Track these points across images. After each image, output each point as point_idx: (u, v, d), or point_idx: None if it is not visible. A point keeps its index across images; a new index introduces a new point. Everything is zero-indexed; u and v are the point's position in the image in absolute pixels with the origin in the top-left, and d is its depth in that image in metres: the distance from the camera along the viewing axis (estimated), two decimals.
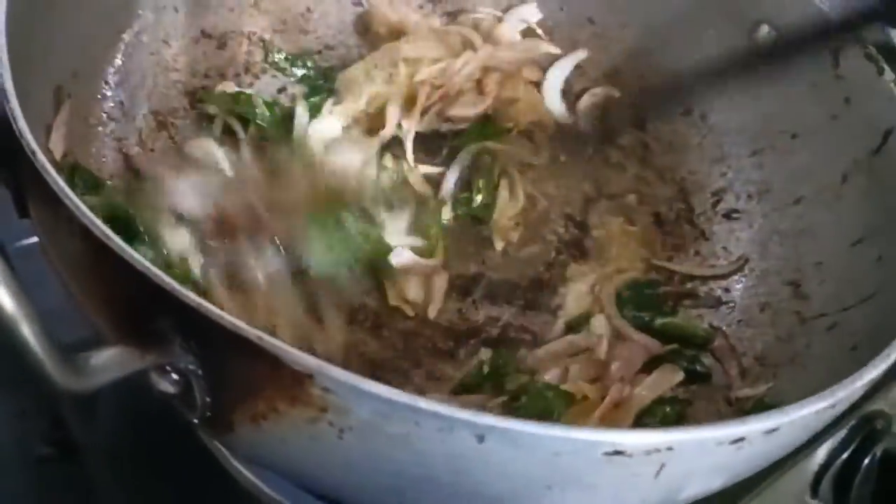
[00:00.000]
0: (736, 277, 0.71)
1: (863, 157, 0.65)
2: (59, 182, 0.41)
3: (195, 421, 0.42)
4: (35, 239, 0.49)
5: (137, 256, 0.38)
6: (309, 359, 0.36)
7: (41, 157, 0.41)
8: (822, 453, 0.65)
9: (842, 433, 0.65)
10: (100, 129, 0.66)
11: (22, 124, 0.43)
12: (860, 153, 0.65)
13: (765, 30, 0.72)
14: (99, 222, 0.39)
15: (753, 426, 0.40)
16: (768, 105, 0.74)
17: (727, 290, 0.71)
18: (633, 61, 0.81)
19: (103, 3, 0.65)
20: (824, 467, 0.65)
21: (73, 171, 0.59)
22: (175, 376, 0.40)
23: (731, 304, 0.70)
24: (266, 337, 0.36)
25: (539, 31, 0.82)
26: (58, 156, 0.58)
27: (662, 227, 0.75)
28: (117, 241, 0.39)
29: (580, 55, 0.81)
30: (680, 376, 0.61)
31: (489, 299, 0.69)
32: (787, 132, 0.72)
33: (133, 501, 0.61)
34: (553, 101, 0.80)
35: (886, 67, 0.65)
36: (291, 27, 0.80)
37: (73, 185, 0.57)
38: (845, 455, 0.65)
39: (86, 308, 0.44)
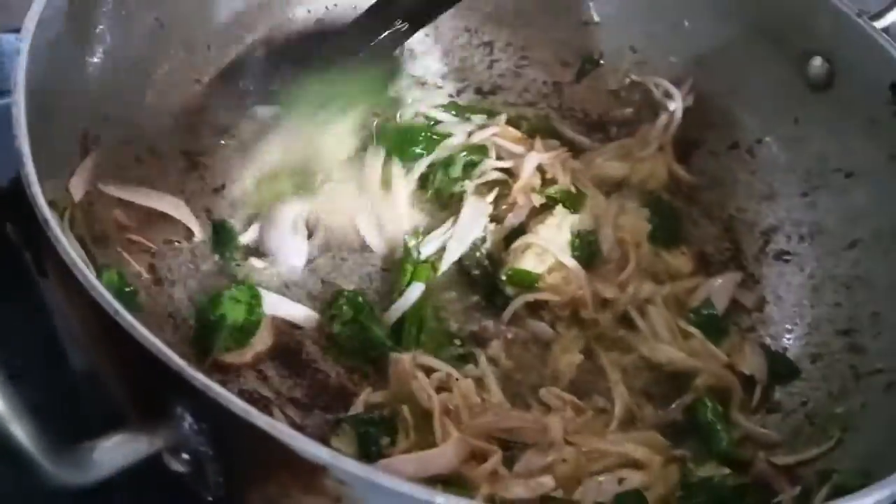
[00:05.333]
0: (787, 325, 0.68)
1: None
2: (70, 253, 0.39)
3: (210, 499, 0.40)
4: None
5: (148, 335, 0.37)
6: (323, 450, 0.34)
7: (54, 227, 0.40)
8: None
9: None
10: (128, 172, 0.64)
11: (36, 190, 0.42)
12: None
13: (817, 62, 0.69)
14: (110, 297, 0.38)
15: None
16: (822, 141, 0.70)
17: (774, 337, 0.67)
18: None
19: (134, 48, 0.64)
20: None
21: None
22: (186, 456, 0.38)
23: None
24: (279, 426, 0.35)
25: None
26: (76, 198, 0.56)
27: (709, 269, 0.72)
28: (128, 319, 0.37)
29: None
30: None
31: None
32: (841, 170, 0.68)
33: None
34: None
35: None
36: None
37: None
38: None
39: (103, 377, 0.43)
